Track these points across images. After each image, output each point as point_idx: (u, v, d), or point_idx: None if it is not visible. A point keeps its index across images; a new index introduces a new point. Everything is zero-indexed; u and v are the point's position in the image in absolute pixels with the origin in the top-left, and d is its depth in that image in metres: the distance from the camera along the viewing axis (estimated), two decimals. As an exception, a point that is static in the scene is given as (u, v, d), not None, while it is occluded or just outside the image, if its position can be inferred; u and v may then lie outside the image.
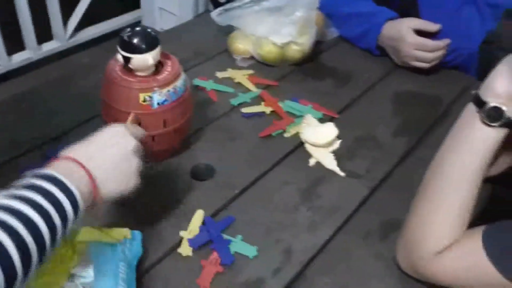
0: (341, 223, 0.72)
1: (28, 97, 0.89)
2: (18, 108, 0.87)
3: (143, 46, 0.67)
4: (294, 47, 1.00)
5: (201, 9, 2.21)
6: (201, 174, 0.77)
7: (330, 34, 1.13)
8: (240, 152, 0.82)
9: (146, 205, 0.71)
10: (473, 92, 0.61)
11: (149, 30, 0.70)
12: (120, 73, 0.70)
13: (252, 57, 1.03)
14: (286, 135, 0.86)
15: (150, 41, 0.68)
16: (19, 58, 1.77)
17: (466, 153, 0.60)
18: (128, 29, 0.68)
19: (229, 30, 1.06)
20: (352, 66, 1.07)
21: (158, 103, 0.70)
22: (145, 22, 2.47)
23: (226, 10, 1.09)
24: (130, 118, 0.68)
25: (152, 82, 0.70)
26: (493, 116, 0.58)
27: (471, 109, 0.61)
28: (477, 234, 0.58)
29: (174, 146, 0.78)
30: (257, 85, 0.97)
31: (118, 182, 0.53)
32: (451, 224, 0.60)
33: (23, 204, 0.41)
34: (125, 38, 0.67)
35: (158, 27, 2.46)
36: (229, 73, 0.99)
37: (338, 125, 0.86)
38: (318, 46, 1.08)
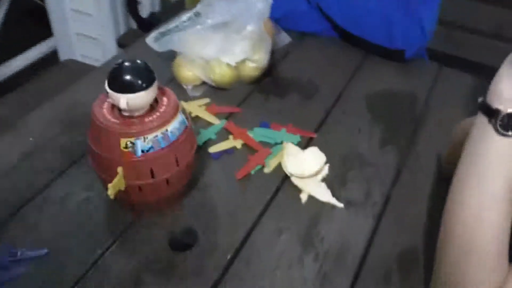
0: (355, 269, 0.62)
1: None
2: None
3: (136, 83, 0.57)
4: (250, 65, 0.88)
5: (122, 29, 2.06)
6: (182, 242, 0.65)
7: (282, 40, 1.02)
8: (219, 204, 0.70)
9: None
10: (480, 100, 0.53)
11: (140, 63, 0.60)
12: (104, 112, 0.59)
13: (204, 83, 0.90)
14: (266, 170, 0.75)
15: (144, 78, 0.58)
16: None
17: (487, 174, 0.51)
18: (116, 64, 0.58)
19: (170, 55, 0.92)
20: (314, 72, 0.98)
21: (142, 151, 0.58)
22: (61, 50, 2.26)
23: (162, 33, 0.96)
24: None
25: (136, 126, 0.58)
26: (510, 124, 0.50)
27: (481, 121, 0.52)
28: None
29: (165, 196, 0.67)
30: (218, 115, 0.85)
31: None
32: (488, 262, 0.51)
33: None
34: (113, 74, 0.58)
35: (78, 54, 2.25)
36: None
37: (320, 146, 0.76)
38: (272, 57, 0.97)
